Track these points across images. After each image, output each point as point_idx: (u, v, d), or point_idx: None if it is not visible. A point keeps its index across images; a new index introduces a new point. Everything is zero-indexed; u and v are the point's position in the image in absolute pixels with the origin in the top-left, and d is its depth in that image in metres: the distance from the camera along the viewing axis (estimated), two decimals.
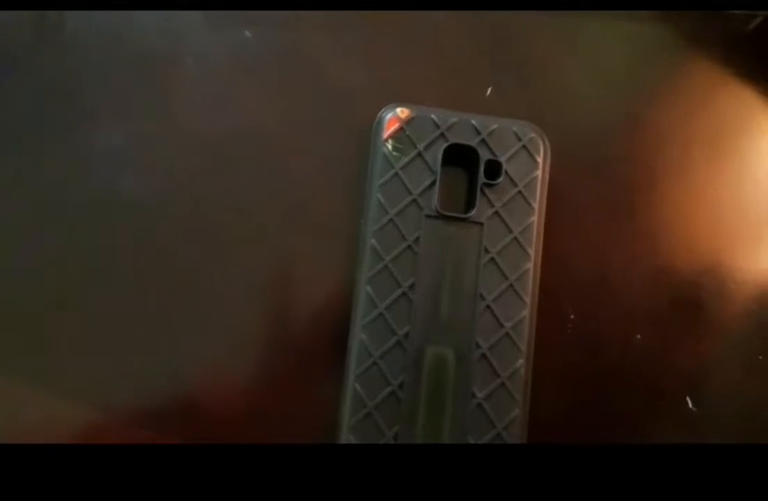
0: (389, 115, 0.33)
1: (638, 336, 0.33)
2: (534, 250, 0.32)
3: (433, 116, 0.33)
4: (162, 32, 0.34)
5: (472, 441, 0.30)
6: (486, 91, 0.35)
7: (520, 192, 0.32)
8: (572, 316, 0.33)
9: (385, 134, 0.32)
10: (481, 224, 0.32)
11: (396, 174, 0.32)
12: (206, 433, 0.30)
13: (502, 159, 0.33)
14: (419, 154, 0.33)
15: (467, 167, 0.33)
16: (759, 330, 0.33)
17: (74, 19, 0.34)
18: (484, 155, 0.33)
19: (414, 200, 0.32)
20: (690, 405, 0.32)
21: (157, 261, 0.32)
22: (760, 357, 0.33)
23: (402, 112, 0.33)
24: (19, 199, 0.32)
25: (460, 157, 0.33)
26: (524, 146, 0.33)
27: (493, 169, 0.32)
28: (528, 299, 0.31)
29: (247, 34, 0.34)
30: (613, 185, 0.34)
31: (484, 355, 0.30)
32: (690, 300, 0.33)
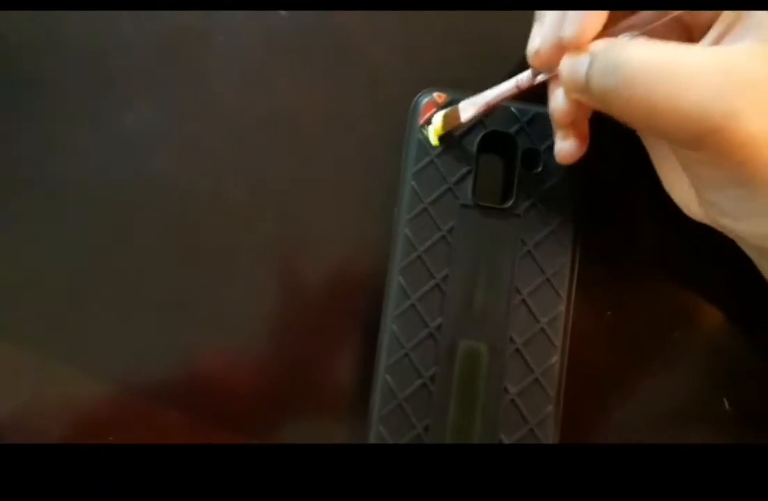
0: (426, 100, 0.32)
1: (676, 333, 0.32)
2: (572, 243, 0.31)
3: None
4: (195, 10, 0.33)
5: (503, 437, 0.29)
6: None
7: (559, 182, 0.32)
8: (609, 313, 0.32)
9: (422, 120, 0.31)
10: (519, 216, 0.31)
11: (431, 161, 0.31)
12: (233, 423, 0.30)
13: (541, 148, 0.32)
14: (457, 141, 0.32)
15: (505, 156, 0.32)
16: None
17: None
18: (523, 144, 0.32)
19: (449, 189, 0.31)
20: (727, 406, 0.32)
21: (187, 241, 0.32)
22: None
23: (439, 96, 0.32)
24: (51, 175, 0.32)
25: (498, 145, 0.32)
26: None
27: (532, 158, 0.32)
28: (564, 294, 0.31)
29: (282, 13, 0.33)
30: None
31: (518, 350, 0.30)
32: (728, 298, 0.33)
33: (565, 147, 0.29)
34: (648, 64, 0.24)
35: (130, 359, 0.31)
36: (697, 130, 0.23)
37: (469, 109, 0.30)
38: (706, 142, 0.24)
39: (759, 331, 0.32)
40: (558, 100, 0.28)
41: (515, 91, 0.29)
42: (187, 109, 0.32)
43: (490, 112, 0.31)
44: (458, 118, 0.31)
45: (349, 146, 0.33)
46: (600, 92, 0.25)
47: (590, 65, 0.25)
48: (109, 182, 0.32)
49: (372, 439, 0.29)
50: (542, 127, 0.32)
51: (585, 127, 0.29)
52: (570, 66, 0.26)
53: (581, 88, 0.26)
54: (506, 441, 0.29)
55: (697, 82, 0.23)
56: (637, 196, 0.32)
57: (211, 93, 0.33)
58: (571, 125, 0.29)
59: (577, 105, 0.28)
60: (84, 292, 0.31)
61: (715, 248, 0.31)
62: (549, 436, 0.29)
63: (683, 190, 0.30)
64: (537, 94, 0.31)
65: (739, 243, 0.30)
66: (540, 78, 0.28)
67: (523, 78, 0.29)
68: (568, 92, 0.28)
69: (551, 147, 0.31)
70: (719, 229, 0.29)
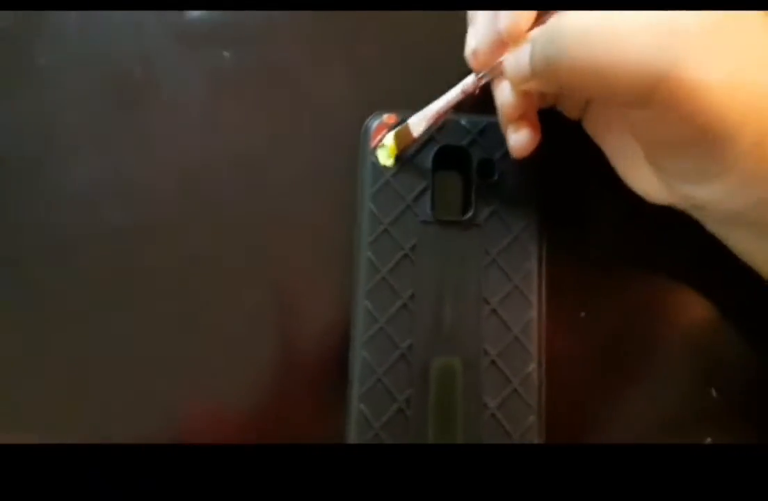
0: (376, 123, 0.32)
1: (653, 328, 0.31)
2: (537, 247, 0.31)
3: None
4: (137, 58, 0.33)
5: None
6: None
7: (516, 189, 0.31)
8: (583, 314, 0.31)
9: (374, 142, 0.31)
10: (480, 226, 0.31)
11: (387, 182, 0.31)
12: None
13: (495, 157, 0.31)
14: (410, 159, 0.31)
15: (460, 169, 0.32)
16: None
17: (48, 47, 0.34)
18: (477, 155, 0.31)
19: (408, 207, 0.31)
20: (714, 395, 0.31)
21: (146, 290, 0.32)
22: None
23: (389, 118, 0.32)
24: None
25: (452, 159, 0.32)
26: None
27: (487, 168, 0.31)
28: (535, 300, 0.30)
29: (225, 54, 0.34)
30: None
31: (493, 362, 0.29)
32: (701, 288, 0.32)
33: (519, 139, 0.29)
34: (585, 26, 0.24)
35: (104, 416, 0.31)
36: (643, 84, 0.23)
37: (419, 123, 0.30)
38: (655, 97, 0.24)
39: (736, 319, 0.31)
40: (504, 95, 0.29)
41: (462, 96, 0.29)
42: (136, 159, 0.33)
43: (440, 125, 0.31)
44: (410, 134, 0.30)
45: (304, 176, 0.33)
46: (544, 67, 0.25)
47: (532, 49, 0.25)
48: (59, 236, 0.32)
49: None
50: (494, 137, 0.31)
51: (534, 118, 0.29)
52: (514, 59, 0.27)
53: (527, 77, 0.26)
54: None
55: (637, 35, 0.23)
56: (597, 193, 0.32)
57: (158, 140, 0.33)
58: (521, 118, 0.29)
59: (524, 97, 0.28)
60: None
61: (682, 239, 0.30)
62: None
63: (640, 175, 0.29)
64: (485, 105, 0.30)
65: (704, 221, 0.29)
66: (484, 79, 0.28)
67: (468, 82, 0.29)
68: (515, 86, 0.28)
69: (505, 155, 0.31)
70: (682, 207, 0.29)
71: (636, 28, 0.23)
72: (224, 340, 0.31)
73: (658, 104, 0.24)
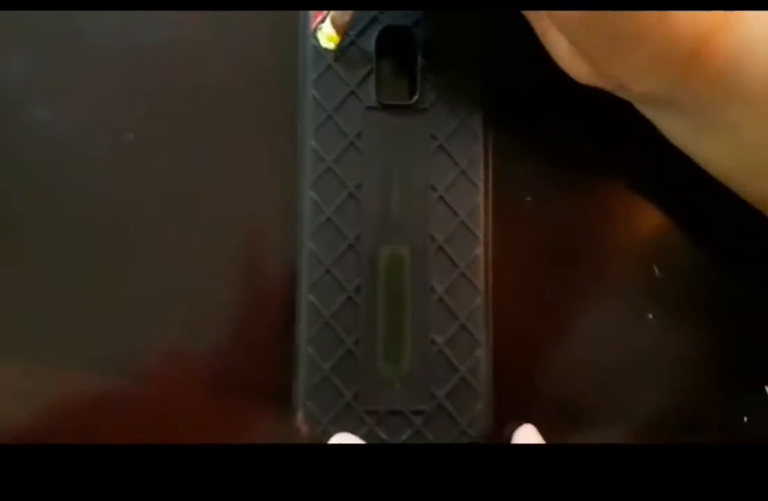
0: None
1: (598, 217, 0.32)
2: (484, 131, 0.30)
3: None
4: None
5: (435, 336, 0.29)
6: None
7: (463, 71, 0.30)
8: (529, 198, 0.31)
9: (313, 25, 0.30)
10: (426, 110, 0.30)
11: (329, 66, 0.30)
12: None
13: (441, 37, 0.30)
14: (352, 42, 0.30)
15: (406, 51, 0.31)
16: None
17: None
18: (422, 35, 0.30)
19: (352, 92, 0.30)
20: (657, 273, 0.31)
21: (76, 203, 0.31)
22: None
23: None
24: None
25: (396, 40, 0.30)
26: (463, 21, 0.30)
27: (433, 49, 0.30)
28: (481, 184, 0.30)
29: None
30: None
31: (440, 248, 0.29)
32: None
33: None
34: None
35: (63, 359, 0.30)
36: None
37: None
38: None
39: (681, 208, 0.32)
40: None
41: None
42: (62, 51, 0.31)
43: None
44: (346, 13, 0.29)
45: (242, 61, 0.31)
46: None
47: None
48: None
49: (302, 365, 0.29)
50: (441, 16, 0.30)
51: None
52: None
53: None
54: (438, 340, 0.29)
55: None
56: (546, 77, 0.30)
57: (85, 29, 0.31)
58: None
59: None
60: None
61: (628, 128, 0.30)
62: (481, 329, 0.29)
63: (563, 54, 0.28)
64: None
65: (634, 103, 0.29)
66: None
67: None
68: None
69: (452, 36, 0.30)
70: (606, 87, 0.28)
71: None
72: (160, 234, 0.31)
73: None
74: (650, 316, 0.31)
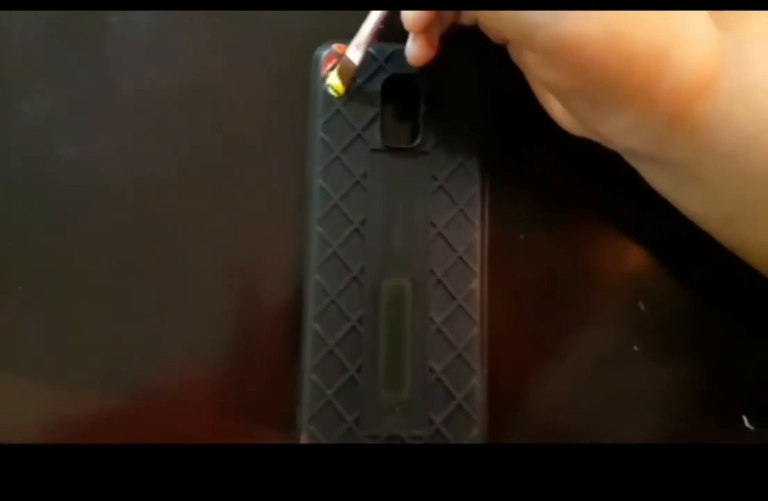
0: (325, 52, 0.33)
1: (588, 252, 0.34)
2: (481, 173, 0.32)
3: (370, 49, 0.32)
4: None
5: (434, 365, 0.31)
6: None
7: (463, 117, 0.33)
8: (522, 236, 0.33)
9: (324, 72, 0.32)
10: (427, 153, 0.32)
11: (338, 111, 0.32)
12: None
13: (442, 86, 0.33)
14: (360, 89, 0.33)
15: (409, 98, 0.33)
16: None
17: None
18: (424, 83, 0.33)
19: (358, 135, 0.32)
20: (642, 308, 0.33)
21: (99, 233, 0.32)
22: None
23: (338, 48, 0.33)
24: None
25: (400, 88, 0.33)
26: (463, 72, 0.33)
27: (435, 96, 0.32)
28: (478, 222, 0.32)
29: None
30: None
31: (439, 281, 0.31)
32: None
33: (412, 50, 0.31)
34: None
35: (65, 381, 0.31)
36: (524, 29, 0.25)
37: (356, 51, 0.31)
38: (536, 42, 0.25)
39: (665, 246, 0.34)
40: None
41: (383, 16, 0.31)
42: (86, 91, 0.33)
43: (389, 54, 0.32)
44: (352, 63, 0.31)
45: (256, 106, 0.34)
46: None
47: None
48: (12, 173, 0.33)
49: (306, 391, 0.30)
50: (442, 67, 0.32)
51: (435, 36, 0.31)
52: None
53: None
54: (436, 368, 0.31)
55: None
56: (539, 122, 0.33)
57: (111, 69, 0.33)
58: (422, 31, 0.30)
59: (425, 14, 0.29)
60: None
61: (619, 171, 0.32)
62: (476, 358, 0.31)
63: (554, 107, 0.31)
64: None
65: (621, 154, 0.31)
66: None
67: None
68: None
69: (452, 84, 0.32)
70: (594, 139, 0.31)
71: None
72: (177, 261, 0.33)
73: (540, 51, 0.26)
74: (635, 348, 0.33)
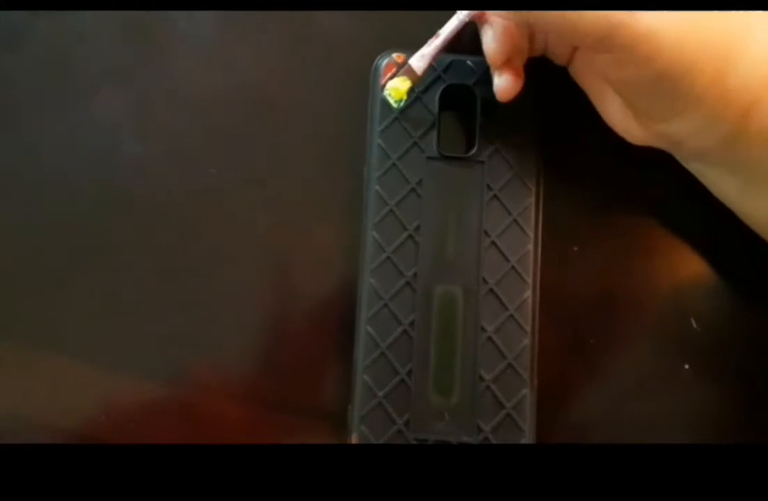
0: (386, 61, 0.33)
1: (639, 263, 0.33)
2: (536, 184, 0.32)
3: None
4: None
5: (483, 373, 0.31)
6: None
7: (518, 128, 0.33)
8: (576, 248, 0.33)
9: (383, 80, 0.33)
10: (483, 162, 0.33)
11: (396, 119, 0.33)
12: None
13: None
14: (418, 98, 0.33)
15: (466, 107, 0.33)
16: None
17: None
18: (481, 94, 0.33)
19: (415, 143, 0.33)
20: (694, 325, 0.33)
21: (154, 228, 0.33)
22: None
23: (398, 57, 0.33)
24: (21, 169, 0.34)
25: (457, 98, 0.33)
26: None
27: (491, 107, 0.33)
28: (531, 233, 0.32)
29: None
30: None
31: (491, 290, 0.31)
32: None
33: (501, 83, 0.31)
34: None
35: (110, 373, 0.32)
36: (603, 29, 0.26)
37: (420, 61, 0.32)
38: (614, 41, 0.26)
39: (722, 261, 0.34)
40: (489, 41, 0.30)
41: (456, 31, 0.31)
42: (152, 93, 0.34)
43: (447, 65, 0.33)
44: (414, 73, 0.32)
45: (316, 113, 0.34)
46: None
47: None
48: (77, 170, 0.34)
49: (357, 391, 0.30)
50: None
51: (519, 65, 0.31)
52: None
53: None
54: (486, 377, 0.31)
55: None
56: (594, 133, 0.33)
57: (172, 73, 0.34)
58: (506, 64, 0.31)
59: (507, 44, 0.30)
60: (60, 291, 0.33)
61: (673, 179, 0.32)
62: (526, 369, 0.31)
63: (619, 117, 0.31)
64: None
65: (683, 160, 0.32)
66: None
67: (462, 14, 0.30)
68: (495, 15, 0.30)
69: None
70: (660, 146, 0.31)
71: None
72: (229, 272, 0.33)
73: (619, 48, 0.26)
74: (686, 366, 0.33)
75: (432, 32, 0.32)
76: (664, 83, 0.27)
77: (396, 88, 0.32)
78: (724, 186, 0.31)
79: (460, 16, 0.30)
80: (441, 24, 0.31)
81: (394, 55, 0.33)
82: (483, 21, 0.30)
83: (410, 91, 0.32)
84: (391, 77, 0.33)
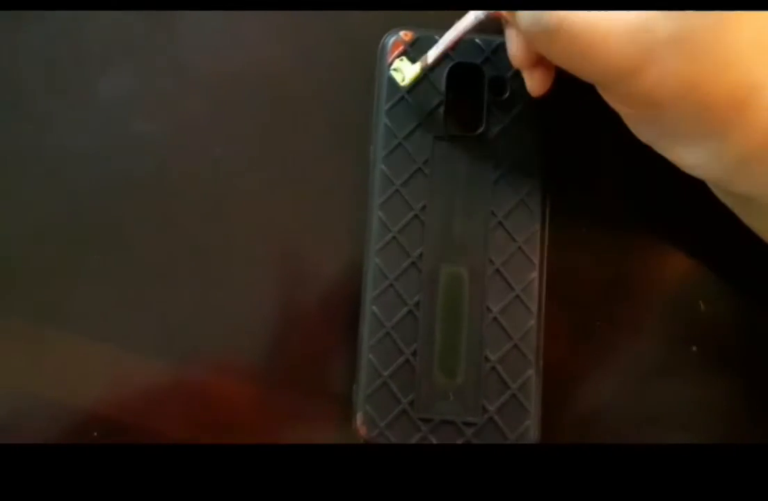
0: (393, 39, 0.33)
1: (653, 242, 0.33)
2: (543, 164, 0.32)
3: (436, 37, 0.32)
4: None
5: (489, 354, 0.31)
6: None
7: (527, 106, 0.32)
8: (584, 229, 0.33)
9: (390, 58, 0.32)
10: (490, 142, 0.32)
11: (402, 98, 0.32)
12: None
13: (507, 75, 0.32)
14: (425, 76, 0.33)
15: (473, 86, 0.33)
16: None
17: None
18: (489, 72, 0.32)
19: (422, 122, 0.32)
20: (702, 307, 0.33)
21: (168, 208, 0.33)
22: None
23: (405, 35, 0.33)
24: (30, 147, 0.33)
25: (465, 76, 0.33)
26: None
27: (499, 85, 0.32)
28: (539, 213, 0.32)
29: None
30: None
31: (497, 271, 0.31)
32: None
33: (534, 83, 0.31)
34: (569, 20, 0.25)
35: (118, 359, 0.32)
36: (616, 73, 0.25)
37: (435, 50, 0.31)
38: (624, 84, 0.25)
39: (733, 276, 0.33)
40: (513, 49, 0.30)
41: (476, 24, 0.30)
42: (162, 71, 0.34)
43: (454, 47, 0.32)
44: (425, 62, 0.31)
45: (323, 92, 0.34)
46: (528, 36, 0.27)
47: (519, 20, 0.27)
48: (88, 150, 0.34)
49: (363, 371, 0.30)
50: (506, 56, 0.32)
51: (549, 63, 0.30)
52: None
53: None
54: (491, 357, 0.30)
55: (614, 32, 0.24)
56: (607, 115, 0.32)
57: (185, 52, 0.34)
58: (535, 65, 0.30)
59: (533, 52, 0.29)
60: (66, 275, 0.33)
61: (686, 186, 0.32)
62: (532, 350, 0.31)
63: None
64: (500, 25, 0.31)
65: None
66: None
67: (480, 13, 0.30)
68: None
69: (517, 73, 0.32)
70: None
71: (614, 25, 0.24)
72: (239, 250, 0.33)
73: (627, 90, 0.26)
74: (694, 348, 0.32)
75: (440, 11, 0.31)
76: (664, 125, 0.27)
77: (403, 68, 0.32)
78: (737, 210, 0.31)
79: (478, 14, 0.30)
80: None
81: (402, 33, 0.33)
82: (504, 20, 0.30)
83: (419, 77, 0.32)
84: (399, 55, 0.32)
